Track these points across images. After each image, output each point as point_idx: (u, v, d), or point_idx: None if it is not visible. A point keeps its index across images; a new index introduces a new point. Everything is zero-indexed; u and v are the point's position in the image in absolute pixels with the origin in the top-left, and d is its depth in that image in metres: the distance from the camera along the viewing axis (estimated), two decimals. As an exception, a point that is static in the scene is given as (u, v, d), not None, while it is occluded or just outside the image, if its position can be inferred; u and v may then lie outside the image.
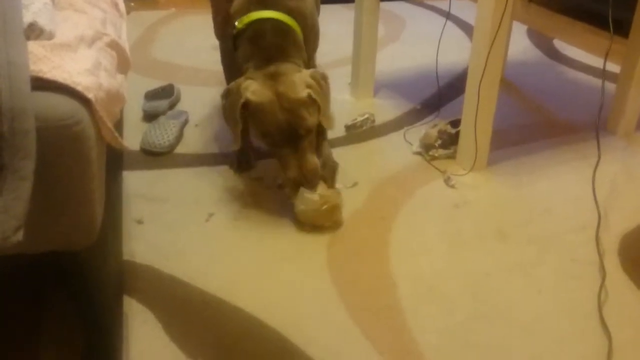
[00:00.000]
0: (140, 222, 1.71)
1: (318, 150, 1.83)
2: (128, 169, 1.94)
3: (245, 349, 1.33)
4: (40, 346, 1.29)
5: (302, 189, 1.67)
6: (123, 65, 1.31)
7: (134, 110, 2.26)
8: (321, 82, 1.70)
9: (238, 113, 1.64)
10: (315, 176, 1.68)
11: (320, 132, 1.85)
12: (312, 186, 1.67)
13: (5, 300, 1.40)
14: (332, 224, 1.71)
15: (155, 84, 2.43)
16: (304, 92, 1.63)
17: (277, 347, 1.34)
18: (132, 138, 2.08)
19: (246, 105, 1.63)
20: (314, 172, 1.68)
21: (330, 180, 1.82)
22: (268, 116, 1.62)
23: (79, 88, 0.97)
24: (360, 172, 1.99)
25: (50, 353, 1.28)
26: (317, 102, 1.65)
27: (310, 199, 1.66)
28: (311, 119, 1.65)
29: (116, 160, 1.84)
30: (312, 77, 1.68)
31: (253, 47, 1.71)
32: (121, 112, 1.77)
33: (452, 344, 1.37)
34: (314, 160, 1.68)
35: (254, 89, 1.63)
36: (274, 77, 1.65)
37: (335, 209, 1.70)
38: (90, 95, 0.98)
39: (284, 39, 1.71)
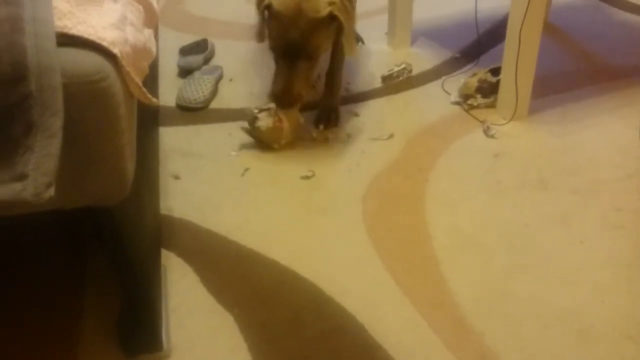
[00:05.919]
0: (177, 177, 1.73)
1: (336, 81, 1.93)
2: (164, 125, 1.95)
3: (280, 301, 1.34)
4: (86, 297, 1.34)
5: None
6: (150, 19, 1.29)
7: (169, 66, 2.26)
8: (345, 3, 1.69)
9: (262, 9, 1.68)
10: (293, 103, 1.71)
11: (336, 63, 1.90)
12: (285, 108, 1.74)
13: (51, 253, 1.45)
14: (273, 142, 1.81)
15: (189, 39, 2.41)
16: (325, 10, 1.63)
17: (312, 298, 1.35)
18: (168, 94, 2.08)
19: (269, 6, 1.66)
20: (294, 98, 1.70)
21: (322, 122, 1.91)
22: (280, 26, 1.65)
23: (105, 43, 0.96)
24: (396, 123, 1.96)
25: (93, 303, 1.32)
26: (338, 21, 1.65)
27: (253, 115, 1.80)
28: (320, 45, 1.67)
29: (152, 117, 1.85)
30: None
31: None
32: (155, 68, 1.78)
33: (489, 295, 1.35)
34: (301, 87, 1.69)
35: None
36: None
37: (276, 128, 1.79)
38: (115, 51, 0.97)
39: None
